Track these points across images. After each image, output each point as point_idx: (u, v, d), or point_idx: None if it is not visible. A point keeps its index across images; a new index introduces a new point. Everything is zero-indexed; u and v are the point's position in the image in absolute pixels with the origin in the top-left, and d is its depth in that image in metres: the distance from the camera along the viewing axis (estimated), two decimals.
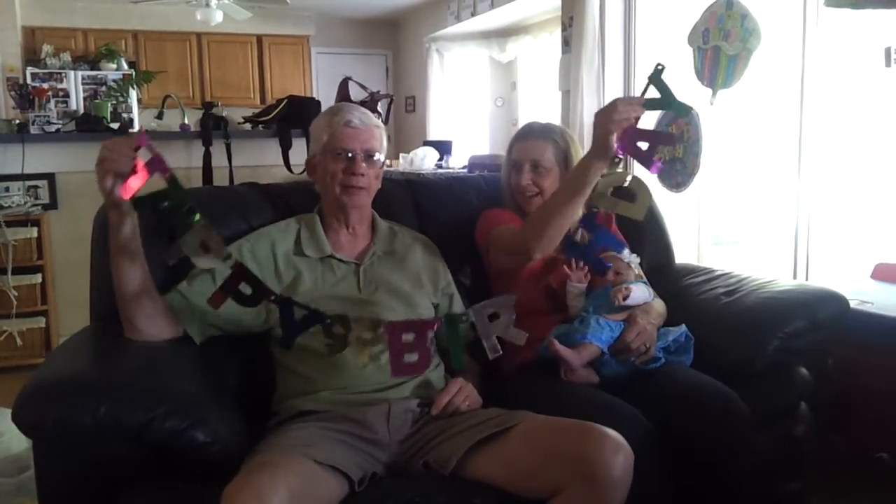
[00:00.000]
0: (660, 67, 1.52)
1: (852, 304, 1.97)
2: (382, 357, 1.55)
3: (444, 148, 5.71)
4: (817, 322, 1.84)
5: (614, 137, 1.51)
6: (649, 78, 1.52)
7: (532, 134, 2.01)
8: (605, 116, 1.52)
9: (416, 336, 1.42)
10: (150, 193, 1.38)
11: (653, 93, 1.52)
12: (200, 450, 1.34)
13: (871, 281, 2.60)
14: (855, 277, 2.73)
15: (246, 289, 1.40)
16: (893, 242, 3.12)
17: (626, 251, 1.86)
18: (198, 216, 1.37)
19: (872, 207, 3.32)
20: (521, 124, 2.55)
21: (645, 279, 1.89)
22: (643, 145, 1.53)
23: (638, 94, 1.56)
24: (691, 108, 1.64)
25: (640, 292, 1.81)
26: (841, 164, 3.35)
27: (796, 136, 3.33)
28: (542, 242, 1.70)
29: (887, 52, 1.73)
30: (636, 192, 1.66)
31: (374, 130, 1.74)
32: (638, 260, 1.88)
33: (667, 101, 1.54)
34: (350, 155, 1.70)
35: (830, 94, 3.28)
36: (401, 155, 5.62)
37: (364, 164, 1.70)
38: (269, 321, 1.66)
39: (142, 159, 1.37)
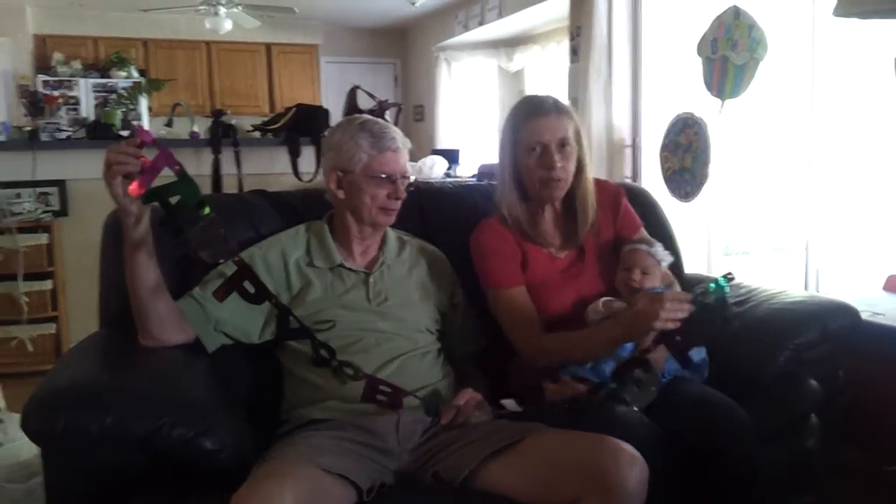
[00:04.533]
0: (730, 277, 1.46)
1: (864, 316, 1.96)
2: (382, 372, 1.61)
3: (452, 157, 5.72)
4: (828, 333, 1.83)
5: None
6: (714, 284, 1.45)
7: (550, 109, 1.75)
8: (650, 310, 1.46)
9: (392, 391, 1.53)
10: (158, 187, 1.38)
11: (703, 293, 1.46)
12: (208, 458, 1.34)
13: (884, 293, 2.58)
14: (867, 289, 2.71)
15: (250, 287, 1.42)
16: None
17: (659, 247, 1.80)
18: (207, 209, 1.38)
19: (884, 218, 3.30)
20: None
21: (671, 280, 1.85)
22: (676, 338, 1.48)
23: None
24: (737, 323, 1.60)
25: None
26: (852, 174, 3.33)
27: (806, 146, 3.32)
28: (548, 362, 1.70)
29: None
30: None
31: (407, 153, 1.76)
32: (671, 259, 1.82)
33: (718, 308, 1.46)
34: (393, 178, 1.71)
35: (840, 103, 3.27)
36: (409, 164, 5.62)
37: (402, 188, 1.73)
38: (271, 329, 1.66)
39: (148, 158, 1.38)
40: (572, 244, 1.85)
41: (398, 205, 1.73)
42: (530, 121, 1.75)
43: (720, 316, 1.48)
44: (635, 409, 1.52)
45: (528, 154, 1.75)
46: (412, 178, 1.80)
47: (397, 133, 1.75)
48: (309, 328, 1.60)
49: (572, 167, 1.77)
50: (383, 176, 1.70)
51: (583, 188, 1.82)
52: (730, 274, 1.47)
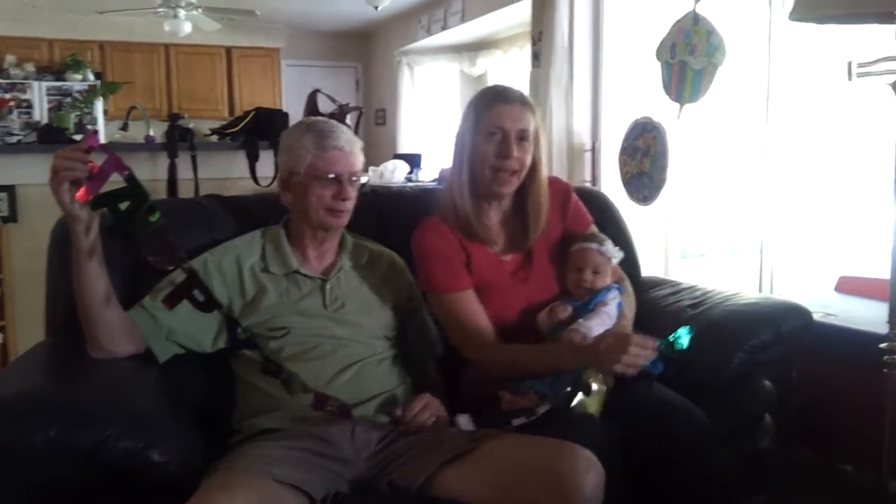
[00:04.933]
0: (694, 329, 1.48)
1: (816, 317, 1.99)
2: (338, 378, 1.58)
3: (413, 161, 5.72)
4: (781, 335, 1.86)
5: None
6: (679, 332, 1.48)
7: (516, 98, 1.73)
8: (614, 353, 1.47)
9: (340, 407, 1.51)
10: (107, 192, 1.35)
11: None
12: (156, 470, 1.31)
13: (835, 294, 2.63)
14: (818, 290, 2.76)
15: (199, 296, 1.40)
16: (856, 255, 3.16)
17: (609, 244, 1.78)
18: (157, 215, 1.35)
19: (836, 221, 3.36)
20: None
21: (622, 276, 1.84)
22: None
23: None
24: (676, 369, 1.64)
25: (596, 325, 1.66)
26: (806, 177, 3.39)
27: (761, 151, 3.37)
28: (499, 373, 1.68)
29: (849, 66, 1.75)
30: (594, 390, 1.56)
31: (358, 152, 1.71)
32: (620, 255, 1.79)
33: (681, 358, 1.49)
34: (339, 178, 1.67)
35: (795, 107, 3.33)
36: (371, 168, 5.60)
37: (350, 188, 1.68)
38: (224, 338, 1.63)
39: (95, 162, 1.35)
40: (518, 248, 1.81)
41: (345, 206, 1.68)
42: (495, 105, 1.71)
43: (675, 366, 1.53)
44: (592, 412, 1.52)
45: (486, 139, 1.70)
46: (365, 180, 1.76)
47: (344, 133, 1.70)
48: (257, 340, 1.58)
49: (528, 162, 1.73)
50: (329, 176, 1.66)
51: (535, 189, 1.78)
52: (694, 325, 1.50)
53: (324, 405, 1.50)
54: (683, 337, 1.48)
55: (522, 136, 1.70)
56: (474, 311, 1.72)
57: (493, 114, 1.70)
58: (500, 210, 1.81)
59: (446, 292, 1.73)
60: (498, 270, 1.78)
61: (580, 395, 1.51)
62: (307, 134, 1.69)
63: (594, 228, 1.89)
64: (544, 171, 1.79)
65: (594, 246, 1.76)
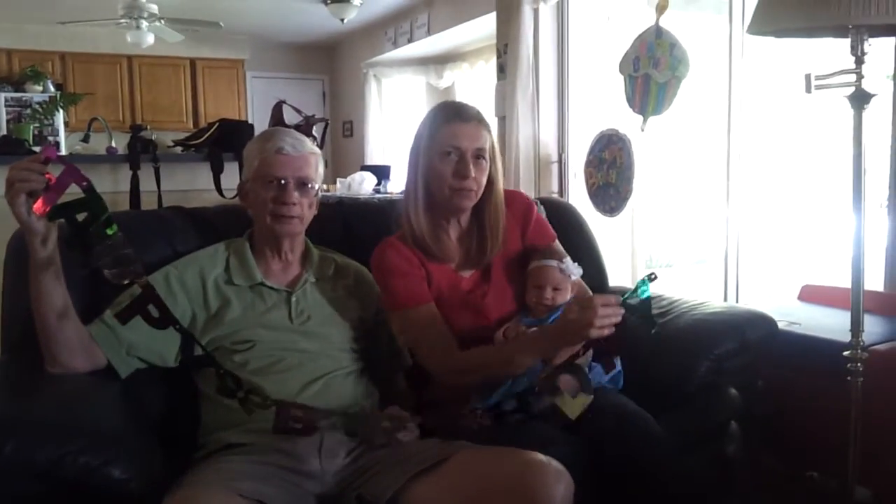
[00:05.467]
0: (652, 277, 1.48)
1: (780, 326, 2.01)
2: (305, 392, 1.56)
3: (382, 173, 5.71)
4: (747, 343, 1.87)
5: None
6: (638, 284, 1.47)
7: (472, 116, 1.69)
8: (583, 318, 1.42)
9: (304, 416, 1.46)
10: (64, 203, 1.33)
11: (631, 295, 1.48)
12: (117, 487, 1.28)
13: (799, 302, 2.67)
14: (782, 299, 2.80)
15: (154, 311, 1.36)
16: (819, 264, 3.21)
17: (568, 261, 1.76)
18: (114, 228, 1.33)
19: (799, 230, 3.42)
20: None
21: (586, 290, 1.84)
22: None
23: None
24: (657, 325, 1.65)
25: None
26: (768, 188, 3.45)
27: (725, 162, 3.42)
28: (465, 381, 1.65)
29: (808, 78, 1.78)
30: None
31: (308, 157, 1.68)
32: (580, 272, 1.77)
33: (643, 310, 1.49)
34: (282, 182, 1.64)
35: (757, 119, 3.39)
36: (338, 180, 5.58)
37: (296, 193, 1.65)
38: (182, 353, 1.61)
39: (53, 174, 1.32)
40: (475, 264, 1.78)
41: (289, 210, 1.64)
42: (451, 124, 1.67)
43: (646, 316, 1.50)
44: (571, 417, 1.49)
45: (442, 158, 1.66)
46: (316, 187, 1.70)
47: (291, 137, 1.67)
48: (215, 357, 1.54)
49: (484, 180, 1.70)
50: (270, 180, 1.64)
51: (492, 205, 1.75)
52: (652, 274, 1.49)
53: (286, 420, 1.45)
54: (644, 286, 1.47)
55: (479, 155, 1.67)
56: (437, 322, 1.69)
57: (449, 132, 1.66)
58: (458, 227, 1.78)
59: (409, 307, 1.70)
60: (456, 288, 1.75)
61: (555, 399, 1.48)
62: (258, 140, 1.70)
63: (557, 245, 1.87)
64: (500, 187, 1.77)
65: (554, 263, 1.75)
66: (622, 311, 1.44)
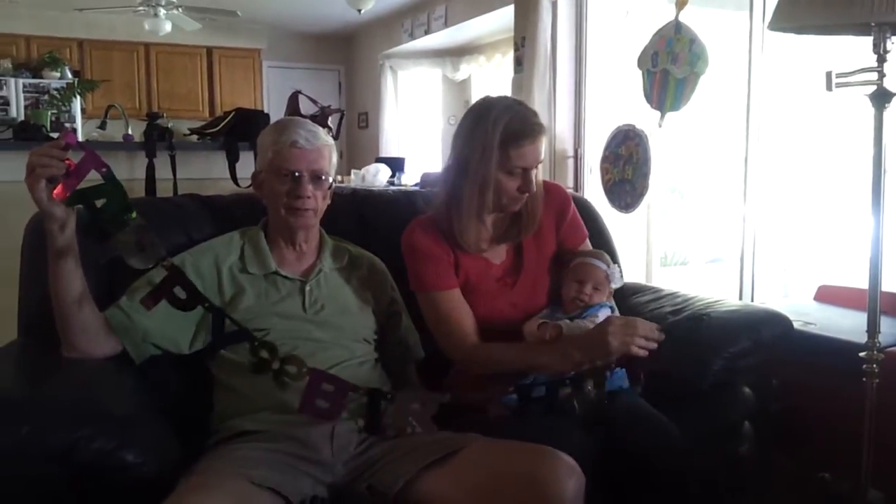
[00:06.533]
0: (705, 319, 1.58)
1: (796, 325, 2.00)
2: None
3: (396, 165, 5.71)
4: (761, 342, 1.86)
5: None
6: (692, 321, 1.57)
7: (538, 131, 1.66)
8: (623, 334, 1.50)
9: (336, 389, 1.46)
10: (83, 189, 1.34)
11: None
12: (130, 470, 1.28)
13: (815, 302, 2.65)
14: (799, 298, 2.78)
15: (181, 293, 1.36)
16: (836, 264, 3.19)
17: (616, 268, 1.79)
18: (134, 214, 1.34)
19: (817, 230, 3.40)
20: None
21: (612, 301, 1.83)
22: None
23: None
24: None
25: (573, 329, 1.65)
26: (787, 186, 3.42)
27: (743, 159, 3.40)
28: (481, 371, 1.67)
29: (828, 76, 1.76)
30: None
31: (322, 150, 1.67)
32: (622, 283, 1.80)
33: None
34: (297, 175, 1.63)
35: (776, 116, 3.36)
36: (353, 171, 5.58)
37: (311, 186, 1.65)
38: (202, 339, 1.61)
39: (73, 160, 1.33)
40: (506, 239, 1.79)
41: (303, 204, 1.64)
42: (521, 145, 1.64)
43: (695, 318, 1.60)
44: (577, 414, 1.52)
45: (509, 176, 1.66)
46: (331, 178, 1.69)
47: (305, 129, 1.66)
48: (247, 329, 1.53)
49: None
50: (284, 173, 1.64)
51: (533, 193, 1.74)
52: (706, 317, 1.55)
53: (314, 395, 1.45)
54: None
55: (538, 164, 1.71)
56: (459, 309, 1.71)
57: (518, 154, 1.64)
58: (497, 214, 1.80)
59: (433, 290, 1.72)
60: (486, 274, 1.77)
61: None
62: (273, 131, 1.68)
63: (588, 244, 1.89)
64: (540, 176, 1.78)
65: (602, 265, 1.77)
66: (661, 337, 1.52)
